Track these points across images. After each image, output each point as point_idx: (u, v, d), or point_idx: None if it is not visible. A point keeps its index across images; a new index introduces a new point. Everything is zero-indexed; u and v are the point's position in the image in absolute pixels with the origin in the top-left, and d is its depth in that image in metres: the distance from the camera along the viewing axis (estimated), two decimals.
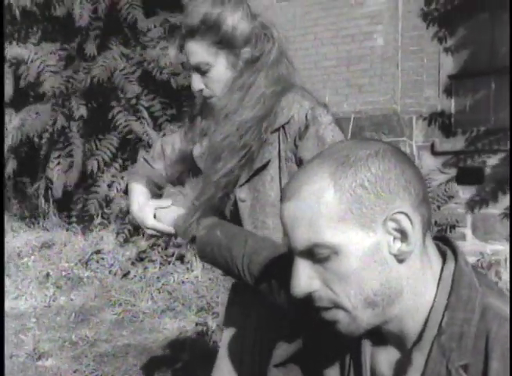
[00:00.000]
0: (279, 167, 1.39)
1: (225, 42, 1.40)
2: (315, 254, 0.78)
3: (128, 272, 4.75)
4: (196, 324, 3.66)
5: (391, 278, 0.77)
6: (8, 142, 5.81)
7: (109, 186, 5.64)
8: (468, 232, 4.93)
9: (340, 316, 0.79)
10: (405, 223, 0.76)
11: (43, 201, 6.22)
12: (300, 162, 1.37)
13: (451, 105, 5.20)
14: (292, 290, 0.81)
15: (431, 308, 0.79)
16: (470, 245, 4.81)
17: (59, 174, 5.79)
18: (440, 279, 0.81)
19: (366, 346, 0.87)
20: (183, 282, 4.49)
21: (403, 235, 0.77)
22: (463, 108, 5.16)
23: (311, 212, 0.77)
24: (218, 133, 1.41)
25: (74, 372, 3.19)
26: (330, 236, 0.76)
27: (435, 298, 0.80)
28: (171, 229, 1.45)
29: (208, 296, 4.15)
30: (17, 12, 5.92)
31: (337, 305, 0.79)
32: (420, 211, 0.78)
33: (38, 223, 6.26)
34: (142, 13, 5.37)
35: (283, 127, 1.37)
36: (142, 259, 4.86)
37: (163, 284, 4.45)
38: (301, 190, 0.78)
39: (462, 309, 0.77)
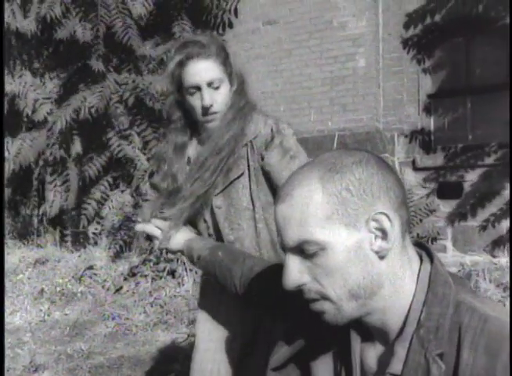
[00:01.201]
0: (249, 175, 1.63)
1: (230, 67, 1.64)
2: (305, 251, 0.85)
3: (121, 287, 4.77)
4: (188, 336, 3.70)
5: (373, 273, 0.83)
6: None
7: (102, 204, 5.72)
8: (449, 244, 5.06)
9: (327, 307, 0.86)
10: (386, 223, 0.83)
11: (36, 219, 6.26)
12: (266, 168, 1.62)
13: (430, 123, 5.36)
14: (284, 283, 0.87)
15: (411, 304, 0.85)
16: (450, 256, 4.95)
17: (55, 195, 5.89)
18: (418, 278, 0.86)
19: (356, 344, 0.92)
20: (175, 296, 4.53)
21: (383, 233, 0.83)
22: (442, 126, 5.33)
23: (302, 212, 0.84)
24: (210, 146, 1.62)
25: None
26: (318, 234, 0.83)
27: (414, 295, 0.85)
28: (179, 249, 1.58)
29: None
30: (13, 40, 6.01)
31: (324, 297, 0.85)
32: (399, 213, 0.85)
33: (32, 240, 6.26)
34: (138, 35, 5.48)
35: (250, 141, 1.62)
36: (134, 274, 4.88)
37: (155, 298, 4.48)
38: (293, 193, 0.86)
39: (438, 304, 0.83)
